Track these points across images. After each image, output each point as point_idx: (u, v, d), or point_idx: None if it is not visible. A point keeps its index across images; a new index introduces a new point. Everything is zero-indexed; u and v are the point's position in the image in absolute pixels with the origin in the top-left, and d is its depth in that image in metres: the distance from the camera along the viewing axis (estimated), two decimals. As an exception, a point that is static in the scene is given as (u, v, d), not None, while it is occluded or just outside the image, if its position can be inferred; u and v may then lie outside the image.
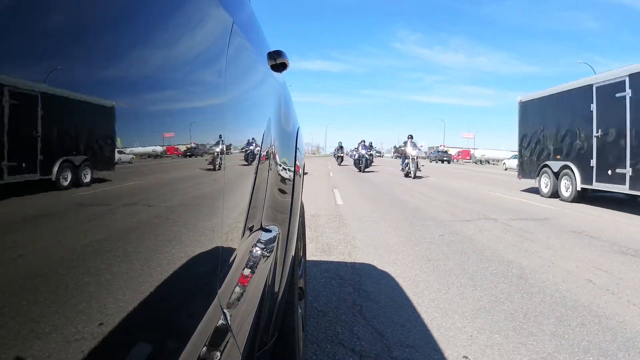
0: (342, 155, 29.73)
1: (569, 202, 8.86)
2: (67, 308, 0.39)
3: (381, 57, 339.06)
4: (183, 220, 0.66)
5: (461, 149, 69.44)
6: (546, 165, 9.89)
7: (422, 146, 16.79)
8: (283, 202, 1.40)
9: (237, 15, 0.99)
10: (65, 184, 0.40)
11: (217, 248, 0.78)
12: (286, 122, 1.59)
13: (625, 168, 7.45)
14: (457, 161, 60.21)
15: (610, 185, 7.88)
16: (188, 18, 0.70)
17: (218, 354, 0.73)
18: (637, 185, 7.23)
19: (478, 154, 68.02)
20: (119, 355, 0.48)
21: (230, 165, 0.87)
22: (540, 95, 10.33)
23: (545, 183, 10.02)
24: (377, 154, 47.35)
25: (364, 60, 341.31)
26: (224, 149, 0.83)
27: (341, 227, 5.43)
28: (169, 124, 0.62)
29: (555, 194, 9.54)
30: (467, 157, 67.52)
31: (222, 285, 0.81)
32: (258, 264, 1.06)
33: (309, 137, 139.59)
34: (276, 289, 1.18)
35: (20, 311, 0.33)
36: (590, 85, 8.43)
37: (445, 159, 51.57)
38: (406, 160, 16.70)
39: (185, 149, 0.67)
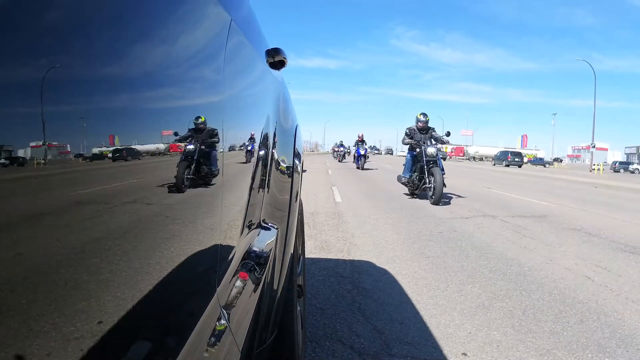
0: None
1: None
2: (66, 306, 0.39)
3: (378, 54, 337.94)
4: (182, 218, 0.66)
5: (454, 146, 68.75)
6: None
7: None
8: (282, 200, 1.40)
9: (235, 13, 0.99)
10: (65, 181, 0.40)
11: (215, 246, 0.78)
12: (285, 120, 1.58)
13: None
14: (450, 158, 59.99)
15: None
16: (186, 16, 0.70)
17: (217, 351, 0.73)
18: None
19: (472, 150, 67.64)
20: (118, 353, 0.48)
21: (229, 162, 0.87)
22: None
23: None
24: (376, 152, 47.30)
25: (361, 57, 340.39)
26: (223, 147, 0.82)
27: (340, 224, 5.43)
28: (168, 122, 0.62)
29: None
30: (461, 154, 67.01)
31: (221, 283, 0.81)
32: (257, 261, 1.06)
33: (307, 135, 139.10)
34: (275, 287, 1.18)
35: (19, 309, 0.33)
36: None
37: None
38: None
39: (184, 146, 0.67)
